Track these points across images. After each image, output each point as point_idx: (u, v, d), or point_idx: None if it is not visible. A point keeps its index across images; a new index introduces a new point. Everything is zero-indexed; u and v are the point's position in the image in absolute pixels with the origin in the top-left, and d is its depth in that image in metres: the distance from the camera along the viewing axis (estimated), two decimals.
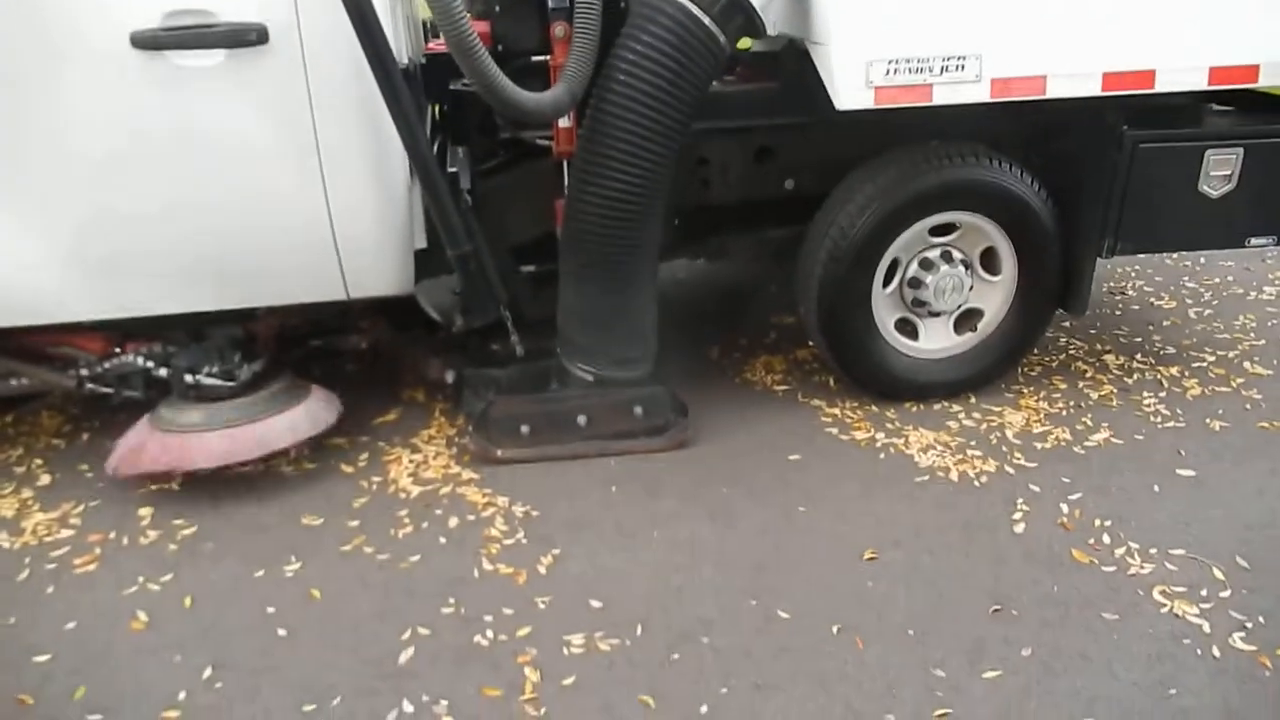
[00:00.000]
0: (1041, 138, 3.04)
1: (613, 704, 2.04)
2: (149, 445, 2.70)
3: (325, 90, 2.46)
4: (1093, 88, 2.77)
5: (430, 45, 3.12)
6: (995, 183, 2.96)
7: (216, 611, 2.33)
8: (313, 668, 2.15)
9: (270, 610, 2.32)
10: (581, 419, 2.91)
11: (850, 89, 2.66)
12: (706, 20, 2.54)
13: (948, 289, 3.08)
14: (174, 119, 2.42)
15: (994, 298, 3.18)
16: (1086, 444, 2.97)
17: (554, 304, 2.96)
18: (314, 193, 2.54)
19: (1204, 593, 2.33)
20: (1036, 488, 2.75)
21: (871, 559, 2.47)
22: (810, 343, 3.41)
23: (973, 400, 3.21)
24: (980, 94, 2.72)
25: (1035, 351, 3.42)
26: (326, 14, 2.34)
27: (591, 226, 2.71)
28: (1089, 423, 3.08)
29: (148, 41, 2.34)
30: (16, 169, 2.43)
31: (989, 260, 3.14)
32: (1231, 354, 3.55)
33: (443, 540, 2.57)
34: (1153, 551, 2.48)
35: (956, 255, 3.08)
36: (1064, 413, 3.14)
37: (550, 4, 2.65)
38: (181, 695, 2.07)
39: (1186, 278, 4.28)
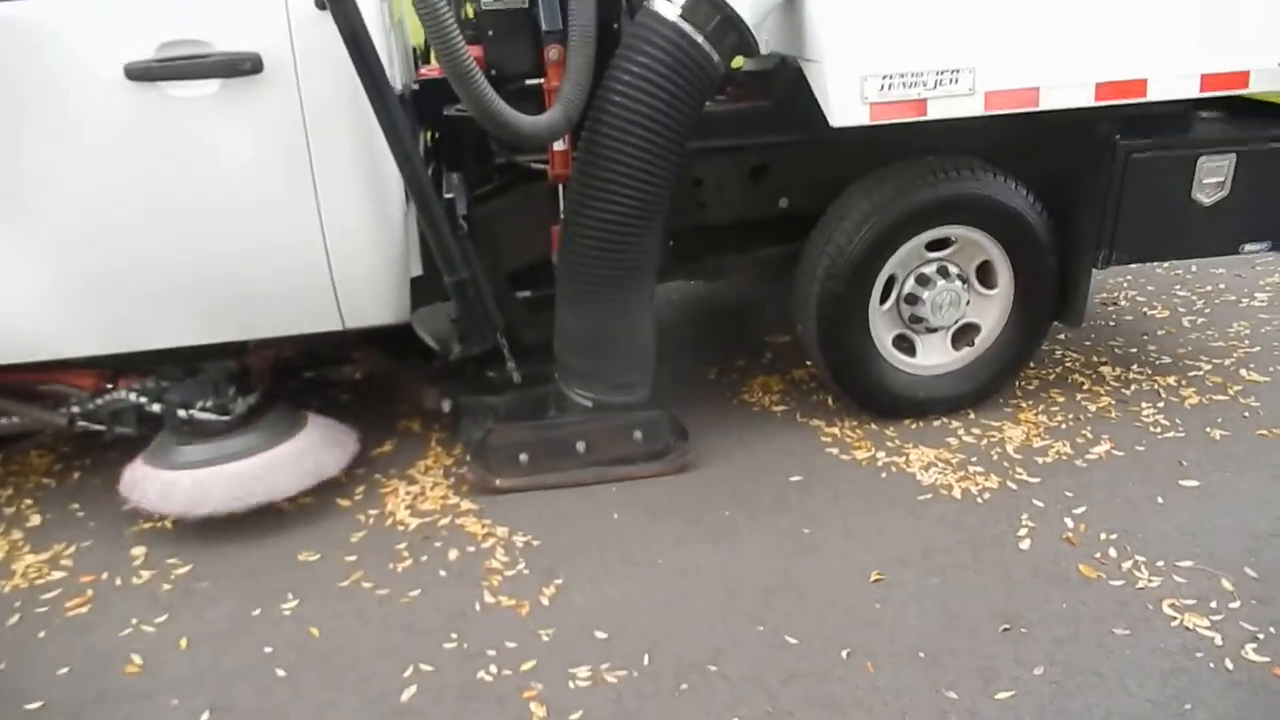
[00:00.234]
0: (1035, 150, 3.03)
1: None
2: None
3: (320, 118, 2.43)
4: (1085, 98, 2.76)
5: (422, 71, 3.11)
6: (990, 196, 2.96)
7: (213, 653, 2.28)
8: (314, 708, 2.11)
9: (268, 650, 2.28)
10: (580, 445, 2.87)
11: (845, 106, 2.65)
12: (701, 40, 2.52)
13: (945, 304, 3.07)
14: (169, 150, 2.40)
15: (991, 312, 3.17)
16: (1088, 457, 2.95)
17: (550, 329, 2.94)
18: (310, 222, 2.52)
19: (1214, 604, 2.31)
20: (1040, 503, 2.73)
21: (878, 580, 2.44)
22: (807, 361, 3.39)
23: (972, 416, 3.19)
24: (974, 107, 2.71)
25: (1031, 365, 3.41)
26: (321, 42, 2.32)
27: (589, 250, 2.69)
28: (1089, 435, 3.07)
29: (142, 73, 2.32)
30: (8, 203, 2.40)
31: (985, 274, 3.13)
32: (1227, 362, 3.54)
33: (443, 573, 2.53)
34: (1160, 564, 2.46)
35: (953, 270, 3.07)
36: (1063, 426, 3.13)
37: (544, 27, 2.63)
38: None
39: (1178, 286, 4.28)
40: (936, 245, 3.06)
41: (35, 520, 2.83)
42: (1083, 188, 3.02)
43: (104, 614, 2.43)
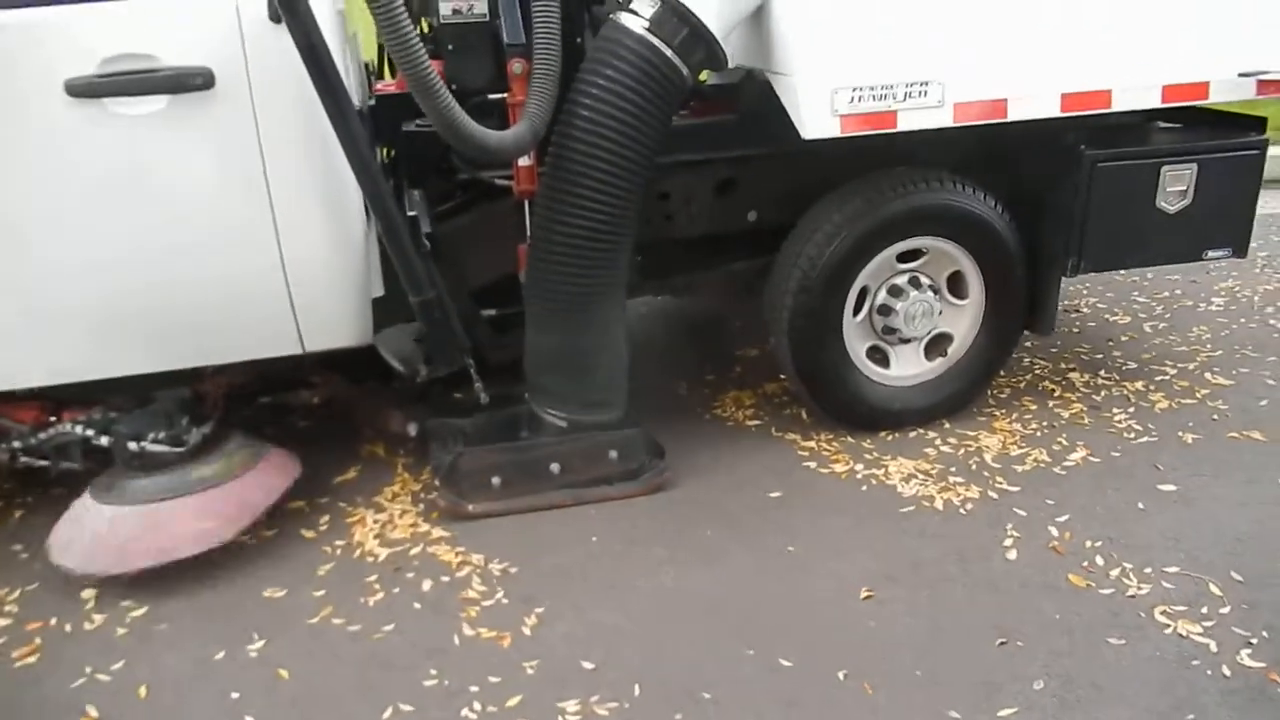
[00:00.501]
0: (1003, 160, 3.04)
1: None
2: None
3: (276, 135, 2.33)
4: (1052, 109, 2.79)
5: (377, 87, 3.01)
6: (960, 207, 2.95)
7: (175, 701, 2.14)
8: None
9: (235, 695, 2.14)
10: (555, 467, 2.79)
11: (816, 118, 2.62)
12: (669, 53, 2.48)
13: (917, 315, 3.05)
14: (114, 170, 2.27)
15: (963, 321, 3.16)
16: (1065, 464, 2.94)
17: (517, 348, 2.85)
18: (266, 243, 2.40)
19: (1204, 610, 2.30)
20: (1023, 512, 2.71)
21: (868, 597, 2.39)
22: (780, 375, 3.35)
23: (947, 426, 3.17)
24: (944, 119, 2.71)
25: (1002, 373, 3.41)
26: (277, 55, 2.23)
27: (558, 267, 2.62)
28: (1064, 442, 3.06)
29: (84, 89, 2.20)
30: None
31: (956, 284, 3.13)
32: (1191, 365, 3.58)
33: (417, 606, 2.42)
34: (1148, 570, 2.44)
35: (925, 280, 3.06)
36: (1039, 433, 3.12)
37: (506, 40, 2.56)
38: None
39: (1137, 293, 4.34)
40: (908, 256, 3.04)
41: None
42: (1050, 197, 3.04)
43: (55, 663, 2.27)
